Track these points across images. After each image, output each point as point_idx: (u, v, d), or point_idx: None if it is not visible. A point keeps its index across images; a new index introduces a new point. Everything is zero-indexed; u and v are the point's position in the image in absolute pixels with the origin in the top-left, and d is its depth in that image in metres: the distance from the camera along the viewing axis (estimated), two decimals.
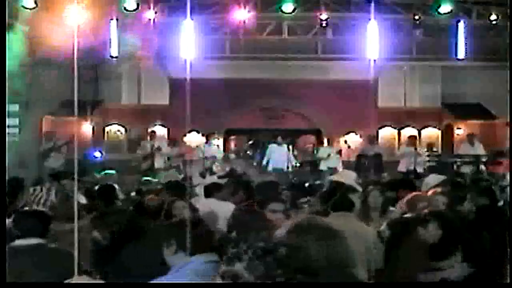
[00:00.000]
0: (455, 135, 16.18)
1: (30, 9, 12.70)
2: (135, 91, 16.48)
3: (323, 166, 13.57)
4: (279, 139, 13.56)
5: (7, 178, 6.26)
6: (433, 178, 7.56)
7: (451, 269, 3.46)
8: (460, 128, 16.12)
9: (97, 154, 13.97)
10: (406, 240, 3.80)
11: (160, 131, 15.54)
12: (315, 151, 14.91)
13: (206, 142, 13.48)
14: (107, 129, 16.18)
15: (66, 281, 2.39)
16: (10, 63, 10.20)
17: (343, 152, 14.22)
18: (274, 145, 13.54)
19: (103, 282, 2.82)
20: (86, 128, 15.66)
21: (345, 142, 14.79)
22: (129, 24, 14.24)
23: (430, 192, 5.22)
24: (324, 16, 14.52)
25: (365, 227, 4.52)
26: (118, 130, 16.24)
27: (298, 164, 14.03)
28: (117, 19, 14.17)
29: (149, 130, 14.72)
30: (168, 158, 13.15)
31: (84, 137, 15.29)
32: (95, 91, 15.81)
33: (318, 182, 8.70)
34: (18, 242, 3.58)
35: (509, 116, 12.30)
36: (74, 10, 13.43)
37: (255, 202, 4.70)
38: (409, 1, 14.94)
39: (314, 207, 5.30)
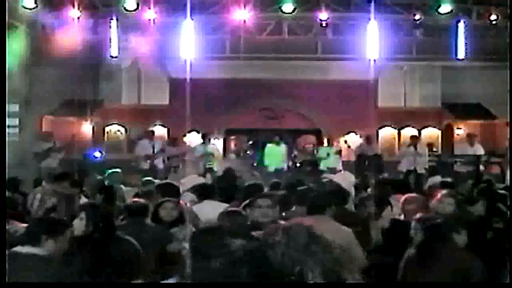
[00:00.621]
0: (455, 135, 16.18)
1: (30, 9, 12.69)
2: (135, 91, 16.48)
3: (323, 166, 13.56)
4: (277, 138, 13.52)
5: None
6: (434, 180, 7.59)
7: None
8: (460, 128, 16.12)
9: (97, 154, 13.96)
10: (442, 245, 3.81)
11: (160, 131, 15.54)
12: (315, 151, 14.89)
13: (203, 142, 13.39)
14: (107, 129, 16.18)
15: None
16: (11, 63, 10.21)
17: (343, 152, 14.21)
18: (271, 145, 13.49)
19: (103, 282, 2.82)
20: (86, 128, 15.67)
21: (345, 142, 14.78)
22: (129, 24, 14.25)
23: (438, 195, 5.18)
24: (324, 16, 14.51)
25: (342, 228, 4.46)
26: (118, 130, 16.24)
27: (298, 164, 14.02)
28: (117, 19, 14.18)
29: (149, 129, 14.70)
30: (168, 158, 13.12)
31: (84, 137, 15.30)
32: (95, 91, 15.81)
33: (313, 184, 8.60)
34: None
35: (509, 116, 12.31)
36: (74, 10, 13.47)
37: (242, 204, 4.74)
38: (409, 1, 14.94)
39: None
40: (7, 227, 4.08)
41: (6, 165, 6.43)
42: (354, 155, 14.13)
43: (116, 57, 14.50)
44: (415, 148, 12.99)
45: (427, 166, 12.77)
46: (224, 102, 15.62)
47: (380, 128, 16.28)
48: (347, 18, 15.46)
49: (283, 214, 4.86)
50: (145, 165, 12.15)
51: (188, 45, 14.44)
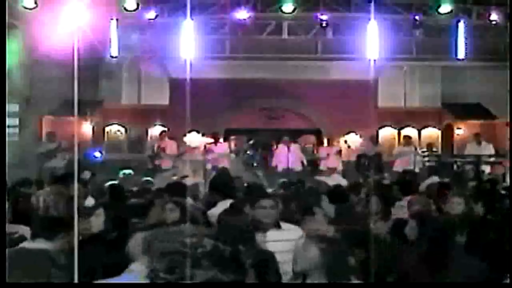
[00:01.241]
0: (455, 135, 16.18)
1: (30, 9, 12.69)
2: (135, 91, 16.48)
3: (323, 166, 13.57)
4: (285, 138, 13.59)
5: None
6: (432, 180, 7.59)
7: None
8: (460, 128, 16.12)
9: (97, 154, 13.96)
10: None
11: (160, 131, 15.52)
12: (315, 151, 14.90)
13: (215, 143, 13.51)
14: (107, 129, 16.18)
15: None
16: (11, 63, 10.21)
17: (343, 152, 14.21)
18: (281, 145, 13.60)
19: (103, 282, 2.82)
20: (86, 128, 15.67)
21: (345, 142, 14.79)
22: (129, 24, 14.25)
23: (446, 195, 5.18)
24: (324, 16, 14.52)
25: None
26: (118, 130, 16.24)
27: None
28: (117, 19, 14.18)
29: (160, 130, 14.74)
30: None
31: (84, 137, 15.29)
32: (95, 91, 15.81)
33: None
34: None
35: (509, 116, 12.30)
36: (74, 10, 13.45)
37: (243, 203, 4.74)
38: (409, 1, 14.94)
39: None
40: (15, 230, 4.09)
41: (6, 165, 6.42)
42: (354, 155, 14.14)
43: (116, 57, 14.50)
44: (414, 148, 13.01)
45: (421, 166, 12.80)
46: (224, 102, 15.62)
47: (380, 128, 16.28)
48: (347, 18, 15.44)
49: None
50: (150, 165, 12.20)
51: (188, 45, 14.43)
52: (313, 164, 13.90)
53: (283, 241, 3.88)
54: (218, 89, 15.30)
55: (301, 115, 16.50)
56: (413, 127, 16.31)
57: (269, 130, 15.88)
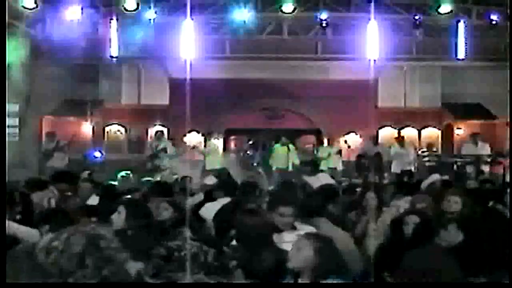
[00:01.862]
0: (455, 135, 16.17)
1: (30, 9, 12.70)
2: (135, 91, 16.47)
3: (323, 166, 13.54)
4: (284, 139, 13.55)
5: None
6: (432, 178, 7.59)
7: None
8: (460, 128, 16.12)
9: (97, 154, 13.96)
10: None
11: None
12: (315, 151, 14.89)
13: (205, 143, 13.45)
14: (107, 129, 16.18)
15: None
16: (11, 62, 10.21)
17: (343, 152, 14.20)
18: (278, 145, 13.54)
19: (103, 282, 2.82)
20: (86, 128, 15.67)
21: (345, 142, 14.79)
22: (129, 24, 14.25)
23: (444, 194, 5.18)
24: (324, 16, 14.52)
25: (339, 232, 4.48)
26: (118, 130, 16.23)
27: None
28: (117, 19, 14.18)
29: (156, 130, 14.72)
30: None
31: (84, 137, 15.30)
32: (95, 91, 15.81)
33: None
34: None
35: (509, 116, 12.32)
36: (74, 9, 13.47)
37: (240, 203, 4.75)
38: (409, 1, 14.95)
39: None
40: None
41: (6, 165, 6.43)
42: (354, 155, 14.13)
43: (116, 57, 14.51)
44: (414, 148, 13.03)
45: (417, 166, 12.85)
46: (224, 102, 15.62)
47: (380, 128, 16.27)
48: (347, 18, 15.46)
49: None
50: (150, 166, 12.18)
51: (188, 45, 14.44)
52: (313, 164, 13.83)
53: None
54: (218, 89, 15.31)
55: (301, 115, 16.50)
56: (413, 127, 16.31)
57: (269, 130, 15.87)
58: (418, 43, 15.75)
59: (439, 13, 14.01)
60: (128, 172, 8.45)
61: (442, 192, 5.77)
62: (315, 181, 6.37)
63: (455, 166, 12.66)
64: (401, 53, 15.62)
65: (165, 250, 2.12)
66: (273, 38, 15.96)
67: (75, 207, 5.21)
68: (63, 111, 15.27)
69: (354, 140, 15.40)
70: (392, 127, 16.40)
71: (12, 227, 4.00)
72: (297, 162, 13.16)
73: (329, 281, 3.01)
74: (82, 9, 13.62)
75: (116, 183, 7.80)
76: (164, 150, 12.46)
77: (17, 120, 13.38)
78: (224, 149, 16.13)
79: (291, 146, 13.54)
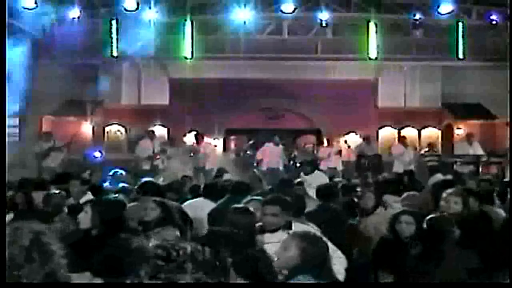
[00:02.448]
0: (455, 135, 16.17)
1: (30, 9, 12.70)
2: (135, 91, 16.46)
3: (323, 166, 13.54)
4: (276, 138, 13.48)
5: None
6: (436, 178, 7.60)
7: None
8: (460, 128, 16.11)
9: (97, 154, 13.96)
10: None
11: (160, 131, 15.52)
12: (315, 151, 14.89)
13: (197, 143, 13.29)
14: (107, 129, 16.16)
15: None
16: (11, 63, 10.21)
17: (343, 152, 14.21)
18: (270, 145, 13.46)
19: (103, 282, 2.82)
20: (86, 128, 15.67)
21: (345, 142, 14.79)
22: (129, 24, 14.26)
23: (444, 194, 5.16)
24: (324, 16, 14.52)
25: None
26: (118, 130, 16.22)
27: (298, 164, 13.99)
28: (117, 19, 14.18)
29: (149, 130, 14.69)
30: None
31: (84, 137, 15.29)
32: (95, 91, 15.81)
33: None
34: None
35: (509, 116, 12.33)
36: (74, 9, 13.48)
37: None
38: (409, 1, 14.95)
39: None
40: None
41: (6, 165, 6.43)
42: (354, 155, 14.13)
43: (116, 57, 14.50)
44: (414, 148, 13.05)
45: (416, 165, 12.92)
46: (224, 102, 15.62)
47: (380, 128, 16.27)
48: (347, 18, 15.46)
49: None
50: (147, 166, 12.13)
51: (188, 45, 14.44)
52: (313, 164, 13.81)
53: None
54: (218, 89, 15.32)
55: (301, 115, 16.50)
56: (413, 127, 16.30)
57: (269, 130, 15.87)
58: (418, 43, 15.76)
59: (439, 13, 14.01)
60: (118, 170, 8.46)
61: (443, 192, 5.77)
62: (311, 180, 6.36)
63: (454, 166, 12.67)
64: (401, 53, 15.63)
65: (163, 250, 2.12)
66: (273, 38, 15.96)
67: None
68: (63, 111, 15.27)
69: (354, 140, 15.40)
70: (392, 127, 16.40)
71: None
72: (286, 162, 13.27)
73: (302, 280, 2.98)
74: (82, 9, 13.64)
75: (107, 183, 7.83)
76: (163, 151, 12.43)
77: (17, 120, 13.38)
78: (224, 149, 16.13)
79: (281, 146, 13.53)
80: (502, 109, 14.06)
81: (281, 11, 13.93)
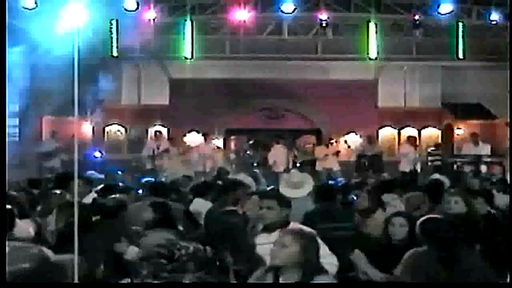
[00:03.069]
0: (455, 135, 16.18)
1: (30, 9, 12.69)
2: (135, 91, 16.46)
3: (318, 167, 13.48)
4: (281, 141, 13.61)
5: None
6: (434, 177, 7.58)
7: None
8: (460, 128, 16.12)
9: (97, 154, 13.96)
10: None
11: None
12: (315, 151, 14.88)
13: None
14: (107, 129, 16.17)
15: None
16: (11, 63, 10.21)
17: (343, 152, 14.20)
18: (278, 146, 13.58)
19: (103, 282, 2.82)
20: (86, 128, 15.66)
21: (345, 142, 14.79)
22: (129, 24, 14.24)
23: (444, 194, 5.16)
24: (324, 16, 14.51)
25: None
26: (118, 130, 16.23)
27: (298, 164, 14.00)
28: (117, 19, 14.17)
29: (154, 130, 14.71)
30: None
31: (84, 137, 15.28)
32: (95, 91, 15.79)
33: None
34: None
35: (509, 116, 12.31)
36: (74, 9, 13.45)
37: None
38: (409, 1, 14.94)
39: None
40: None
41: (6, 165, 6.42)
42: (355, 155, 14.14)
43: (116, 57, 14.50)
44: (415, 148, 13.05)
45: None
46: (224, 102, 15.62)
47: (380, 128, 16.28)
48: (347, 18, 15.46)
49: None
50: (149, 165, 12.17)
51: (188, 45, 14.44)
52: (311, 165, 13.83)
53: None
54: (218, 89, 15.31)
55: (301, 115, 16.50)
56: (413, 127, 16.31)
57: (269, 130, 15.88)
58: (418, 43, 15.76)
59: (439, 13, 14.00)
60: (115, 168, 8.48)
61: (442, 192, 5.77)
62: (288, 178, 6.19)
63: (455, 166, 12.67)
64: (401, 53, 15.64)
65: (164, 249, 2.12)
66: (273, 38, 15.96)
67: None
68: (63, 111, 15.25)
69: (354, 140, 15.41)
70: (392, 127, 16.41)
71: None
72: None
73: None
74: (82, 9, 13.60)
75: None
76: (166, 150, 12.46)
77: (17, 120, 13.36)
78: (224, 149, 16.12)
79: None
80: (502, 109, 14.05)
81: (281, 11, 13.92)
